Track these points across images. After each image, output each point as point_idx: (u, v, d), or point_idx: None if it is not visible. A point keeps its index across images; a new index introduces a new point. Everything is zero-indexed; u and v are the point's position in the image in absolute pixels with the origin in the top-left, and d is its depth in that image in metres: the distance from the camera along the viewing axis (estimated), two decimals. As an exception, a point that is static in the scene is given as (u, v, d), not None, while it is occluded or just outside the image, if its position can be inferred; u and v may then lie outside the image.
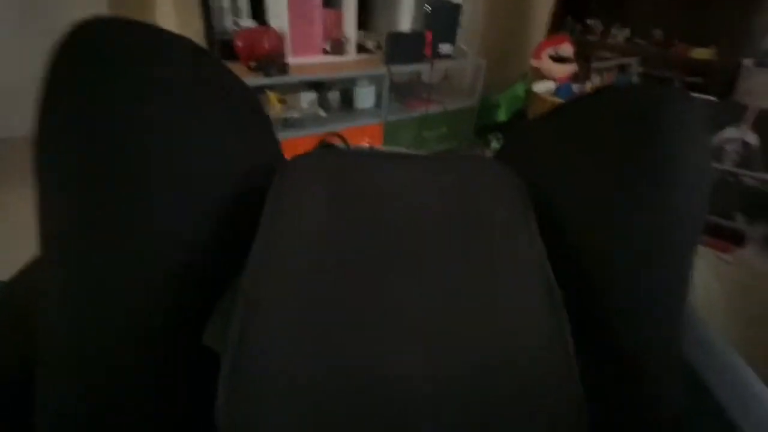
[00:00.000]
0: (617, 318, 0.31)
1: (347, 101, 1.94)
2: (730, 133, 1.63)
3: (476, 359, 0.25)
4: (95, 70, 0.27)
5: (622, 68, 2.10)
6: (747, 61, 1.72)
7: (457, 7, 2.01)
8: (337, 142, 0.48)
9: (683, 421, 0.35)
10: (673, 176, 0.31)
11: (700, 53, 1.83)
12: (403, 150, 0.53)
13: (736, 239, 1.66)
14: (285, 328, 0.25)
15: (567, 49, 2.01)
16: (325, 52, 1.83)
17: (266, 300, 0.26)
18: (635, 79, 2.05)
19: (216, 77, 0.36)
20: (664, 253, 0.31)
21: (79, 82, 0.27)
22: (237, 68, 1.59)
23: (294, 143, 1.61)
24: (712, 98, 1.67)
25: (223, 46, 1.65)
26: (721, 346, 0.39)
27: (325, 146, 0.47)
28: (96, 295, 0.25)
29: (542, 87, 2.04)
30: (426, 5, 1.87)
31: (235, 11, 1.71)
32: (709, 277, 1.51)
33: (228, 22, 1.71)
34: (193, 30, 1.70)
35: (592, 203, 0.33)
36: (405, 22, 1.95)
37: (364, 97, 1.92)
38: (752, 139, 1.60)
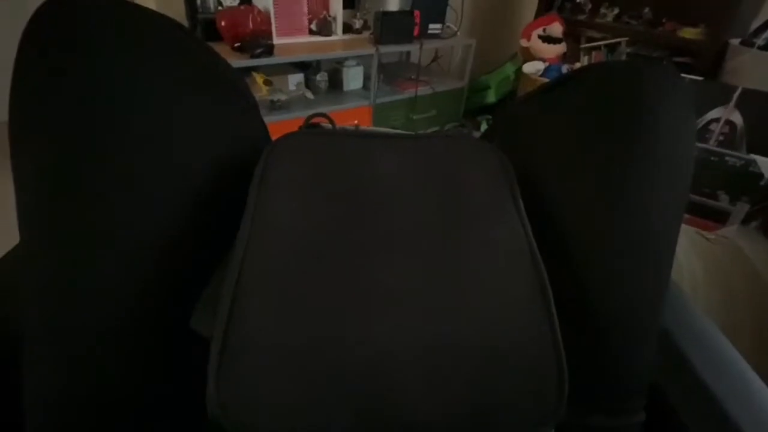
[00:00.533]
0: (598, 288, 0.32)
1: (335, 83, 1.91)
2: (715, 112, 1.65)
3: (460, 332, 0.26)
4: (66, 49, 0.26)
5: (611, 48, 2.10)
6: (734, 41, 1.72)
7: (446, -15, 1.98)
8: (324, 122, 0.48)
9: (658, 385, 0.36)
10: (655, 149, 0.32)
11: (689, 32, 1.82)
12: (389, 130, 0.53)
13: (719, 218, 1.70)
14: (271, 306, 0.25)
15: (556, 28, 1.99)
16: (312, 32, 1.79)
17: (253, 280, 0.26)
18: (624, 59, 2.05)
19: (197, 56, 0.35)
20: (646, 226, 0.32)
21: (51, 61, 0.26)
22: (221, 49, 1.55)
23: (281, 126, 1.58)
24: (698, 78, 1.68)
25: (206, 26, 1.60)
26: (697, 316, 0.41)
27: (310, 126, 0.46)
28: (78, 281, 0.25)
29: (531, 67, 2.04)
30: (414, -17, 1.83)
31: (218, -11, 1.65)
32: (692, 255, 1.55)
33: (211, 2, 1.66)
34: (174, 9, 1.65)
35: (575, 178, 0.34)
36: (393, 1, 1.90)
37: (353, 78, 1.90)
38: (737, 118, 1.62)
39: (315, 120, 0.47)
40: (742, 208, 1.64)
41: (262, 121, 0.44)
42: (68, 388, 0.25)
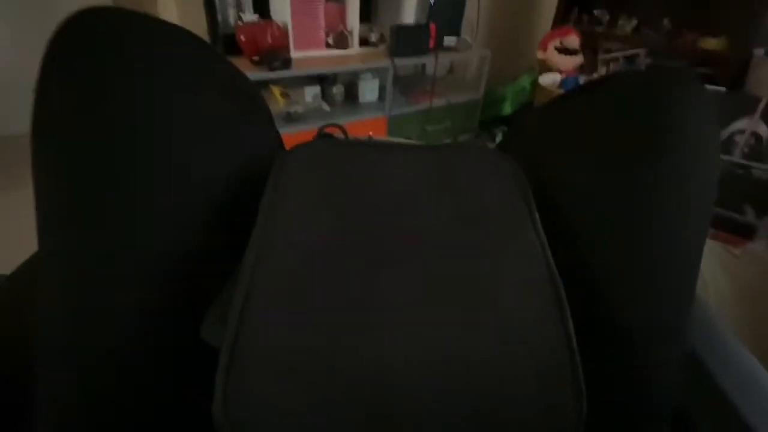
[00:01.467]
0: (619, 307, 0.30)
1: (351, 95, 1.93)
2: (740, 124, 1.60)
3: (472, 345, 0.25)
4: (91, 60, 0.27)
5: (630, 59, 2.07)
6: (758, 51, 1.68)
7: (462, -1, 1.99)
8: (337, 133, 0.48)
9: (686, 409, 0.34)
10: (680, 162, 0.30)
11: (710, 43, 1.79)
12: (401, 140, 0.53)
13: (746, 233, 1.64)
14: (281, 316, 0.25)
15: (573, 40, 1.98)
16: (329, 45, 1.81)
17: (263, 290, 0.26)
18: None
19: (216, 70, 0.35)
20: (670, 244, 0.31)
21: (75, 74, 0.26)
22: (240, 62, 1.58)
23: (298, 137, 1.60)
24: (721, 89, 1.64)
25: (227, 41, 1.64)
26: (725, 336, 0.39)
27: (323, 136, 0.47)
28: (92, 295, 0.25)
29: (548, 79, 2.02)
30: (430, -3, 1.85)
31: (239, 5, 1.70)
32: (718, 272, 1.49)
33: (231, 17, 1.70)
34: (196, 24, 1.70)
35: (595, 191, 0.33)
36: (409, 15, 1.93)
37: (368, 90, 1.91)
38: (763, 130, 1.57)
39: (328, 130, 0.48)
40: (770, 222, 1.58)
41: (278, 133, 0.44)
42: (79, 401, 0.25)
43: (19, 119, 1.96)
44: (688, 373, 0.34)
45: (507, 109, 2.28)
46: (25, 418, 0.25)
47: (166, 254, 0.28)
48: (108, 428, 0.25)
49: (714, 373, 0.35)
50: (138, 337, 0.26)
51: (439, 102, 2.01)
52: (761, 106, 1.56)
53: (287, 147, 0.39)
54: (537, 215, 0.32)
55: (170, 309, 0.28)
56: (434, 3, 1.84)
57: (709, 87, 1.65)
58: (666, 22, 1.99)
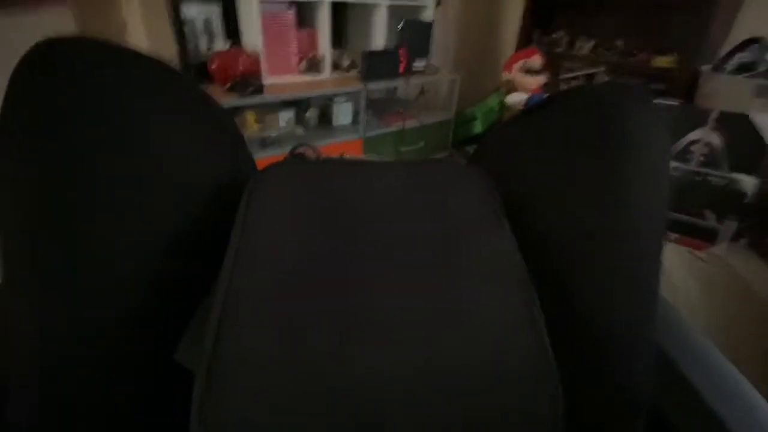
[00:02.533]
0: (587, 308, 0.31)
1: (325, 119, 1.96)
2: (694, 135, 1.70)
3: (450, 353, 0.25)
4: (58, 91, 0.27)
5: (589, 78, 2.18)
6: (705, 68, 1.81)
7: (429, 25, 2.07)
8: (309, 153, 0.49)
9: (659, 407, 0.35)
10: (637, 167, 0.32)
11: (661, 61, 1.92)
12: (373, 158, 0.54)
13: (709, 237, 1.72)
14: (257, 332, 0.25)
15: (536, 61, 2.08)
16: (301, 71, 1.84)
17: (238, 306, 0.26)
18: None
19: (186, 94, 0.36)
20: (633, 244, 0.32)
21: (39, 98, 0.26)
22: (213, 90, 1.59)
23: (272, 161, 1.60)
24: (675, 102, 1.75)
25: (198, 69, 1.65)
26: (692, 333, 0.41)
27: (296, 156, 0.47)
28: (59, 317, 0.24)
29: (515, 99, 2.10)
30: (399, 23, 1.91)
31: (209, 33, 1.71)
32: (686, 275, 1.55)
33: (202, 45, 1.72)
34: (166, 54, 1.70)
35: (559, 199, 0.34)
36: (379, 40, 1.98)
37: (342, 114, 1.94)
38: (715, 139, 1.67)
39: (300, 150, 0.48)
40: (730, 226, 1.66)
41: (249, 155, 0.45)
42: (49, 412, 0.24)
43: None
44: (658, 371, 0.35)
45: (478, 127, 2.36)
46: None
47: (136, 274, 0.27)
48: None
49: (683, 370, 0.37)
50: (109, 364, 0.25)
51: (411, 123, 2.06)
52: (712, 117, 1.67)
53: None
54: (507, 224, 0.33)
55: (143, 333, 0.27)
56: (401, 28, 1.91)
57: (663, 101, 1.75)
58: (620, 42, 2.13)
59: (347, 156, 0.47)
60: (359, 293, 0.27)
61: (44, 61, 0.27)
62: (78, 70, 0.27)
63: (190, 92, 0.37)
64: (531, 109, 0.41)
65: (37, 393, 0.24)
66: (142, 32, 1.66)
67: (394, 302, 0.27)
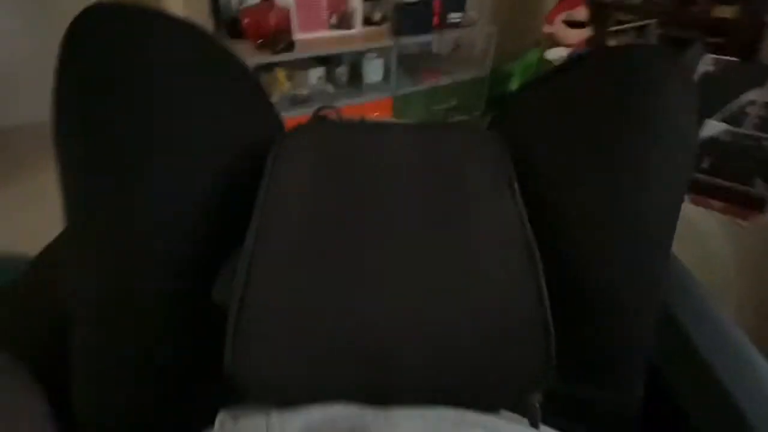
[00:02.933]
0: (592, 265, 0.33)
1: (356, 76, 1.93)
2: (752, 95, 1.57)
3: (455, 303, 0.28)
4: (99, 56, 0.30)
5: (640, 30, 2.02)
6: (773, 18, 1.63)
7: (466, -27, 1.95)
8: (332, 114, 0.50)
9: (658, 367, 0.37)
10: (652, 131, 0.32)
11: (723, 11, 1.73)
12: (393, 120, 0.55)
13: (757, 205, 1.62)
14: (282, 277, 0.28)
15: (581, 12, 1.94)
16: (332, 26, 1.81)
17: (265, 255, 0.29)
18: (653, 41, 1.97)
19: (215, 57, 0.38)
20: (644, 204, 0.32)
21: (85, 69, 0.29)
22: (244, 46, 1.59)
23: (303, 120, 1.62)
24: (733, 59, 1.61)
25: (230, 25, 1.65)
26: (700, 294, 0.41)
27: (318, 118, 0.49)
28: (117, 260, 0.29)
29: (555, 54, 1.99)
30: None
31: (241, -12, 1.70)
32: (723, 242, 1.49)
33: (233, 1, 1.71)
34: (199, 9, 1.71)
35: (576, 161, 0.34)
36: (412, -9, 1.90)
37: (373, 71, 1.91)
38: (775, 100, 1.54)
39: (323, 112, 0.50)
40: (781, 194, 1.56)
41: (277, 115, 0.47)
42: (107, 354, 0.29)
43: (27, 109, 1.98)
44: (662, 330, 0.36)
45: (515, 85, 2.25)
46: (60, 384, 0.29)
47: (181, 226, 0.31)
48: (134, 377, 0.29)
49: (688, 331, 0.38)
50: (158, 299, 0.30)
51: (444, 80, 2.00)
52: (774, 75, 1.52)
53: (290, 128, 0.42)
54: (517, 187, 0.34)
55: (187, 273, 0.32)
56: (438, -21, 1.82)
57: (720, 57, 1.61)
58: (678, -10, 1.93)
59: (368, 118, 0.49)
60: (370, 253, 0.30)
61: (92, 27, 0.30)
62: (122, 36, 0.30)
63: (222, 55, 0.38)
64: (549, 73, 0.41)
65: (98, 336, 0.29)
66: (176, -14, 1.67)
67: (405, 258, 0.29)
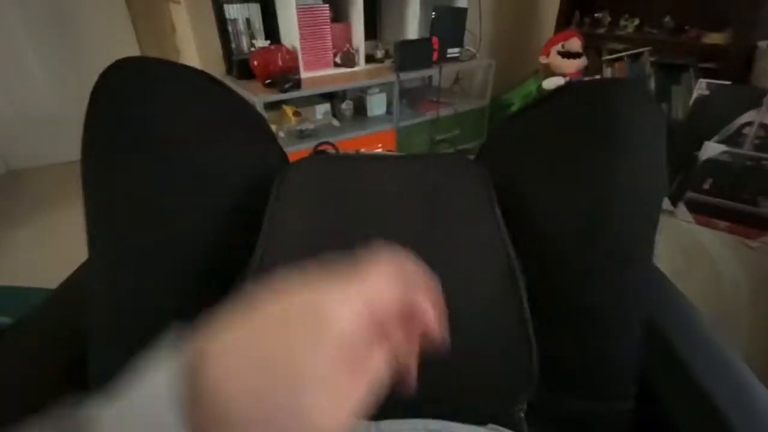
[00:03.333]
0: (577, 283, 0.35)
1: (360, 110, 2.01)
2: (748, 116, 1.60)
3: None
4: (126, 106, 0.34)
5: (634, 58, 2.08)
6: (762, 44, 1.68)
7: (463, 11, 2.05)
8: (330, 149, 0.55)
9: (647, 376, 0.38)
10: (628, 155, 0.35)
11: (713, 38, 1.79)
12: (387, 152, 0.59)
13: (762, 225, 1.62)
14: None
15: (575, 43, 2.01)
16: (336, 64, 1.90)
17: (269, 273, 0.32)
18: (647, 68, 2.03)
19: (227, 102, 0.42)
20: (622, 225, 0.35)
21: (115, 117, 0.34)
22: (254, 86, 1.68)
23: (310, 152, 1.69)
24: (727, 83, 1.65)
25: (241, 66, 1.75)
26: (684, 305, 0.43)
27: (318, 152, 0.54)
28: (132, 281, 0.32)
29: (552, 83, 2.05)
30: (432, 11, 1.92)
31: (251, 33, 1.81)
32: (733, 264, 1.48)
33: (244, 44, 1.82)
34: (212, 52, 1.82)
35: (552, 189, 0.37)
36: (412, 30, 2.00)
37: (376, 104, 1.99)
38: (771, 121, 1.56)
39: (322, 147, 0.54)
40: (786, 213, 1.56)
41: (280, 149, 0.51)
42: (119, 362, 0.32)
43: (42, 151, 2.09)
44: (648, 341, 0.38)
45: (514, 114, 2.32)
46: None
47: (195, 248, 0.35)
48: None
49: (672, 341, 0.39)
50: (172, 315, 0.33)
51: (446, 111, 2.07)
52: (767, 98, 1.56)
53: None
54: (498, 210, 0.37)
55: (201, 290, 0.35)
56: (434, 17, 1.91)
57: (713, 81, 1.65)
58: (668, 19, 2.00)
59: (363, 151, 0.53)
60: None
61: (116, 80, 0.35)
62: (143, 87, 0.35)
63: (230, 98, 0.43)
64: (529, 106, 0.44)
65: (113, 342, 0.32)
66: (190, 33, 1.78)
67: None
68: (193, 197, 0.36)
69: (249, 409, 0.15)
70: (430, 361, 0.29)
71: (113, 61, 0.35)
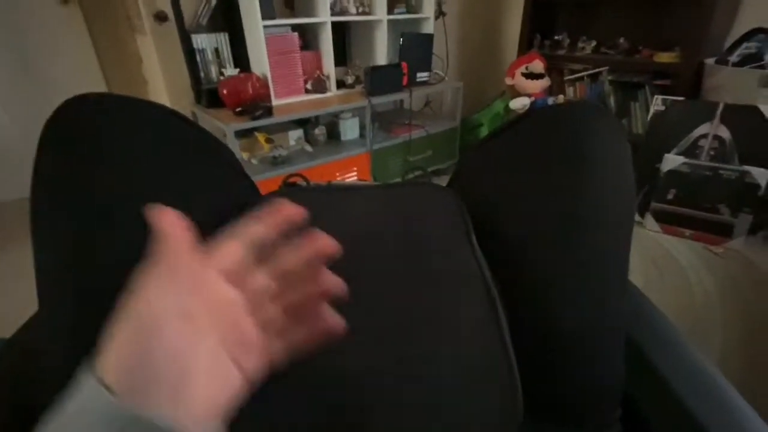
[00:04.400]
0: (554, 308, 0.34)
1: (333, 134, 2.02)
2: (702, 129, 1.69)
3: (422, 355, 0.29)
4: (82, 141, 0.32)
5: (593, 77, 2.19)
6: (709, 61, 1.79)
7: (430, 37, 2.12)
8: (299, 181, 0.53)
9: (630, 395, 0.38)
10: (597, 176, 0.35)
11: (665, 57, 1.91)
12: (359, 182, 0.58)
13: (724, 231, 1.70)
14: None
15: (538, 65, 2.10)
16: (308, 90, 1.91)
17: None
18: (606, 87, 2.13)
19: (190, 136, 0.41)
20: (595, 246, 0.35)
21: (64, 154, 0.31)
22: (224, 114, 1.66)
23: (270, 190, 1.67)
24: (680, 98, 1.74)
25: (210, 95, 1.74)
26: (660, 321, 0.43)
27: (288, 185, 0.52)
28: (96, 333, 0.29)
29: (518, 103, 2.12)
30: (400, 38, 1.97)
31: (219, 62, 1.80)
32: (702, 271, 1.53)
33: (213, 72, 1.81)
34: (180, 82, 1.80)
35: (528, 211, 0.37)
36: (381, 56, 2.04)
37: (349, 129, 2.00)
38: (724, 132, 1.66)
39: (292, 179, 0.53)
40: (745, 219, 1.63)
41: (250, 182, 0.49)
42: None
43: (16, 185, 2.02)
44: (628, 360, 0.38)
45: (484, 133, 2.38)
46: None
47: None
48: None
49: (650, 356, 0.39)
50: None
51: (418, 133, 2.10)
52: (719, 110, 1.65)
53: (274, 188, 0.44)
54: (474, 238, 0.37)
55: None
56: (402, 43, 1.96)
57: (668, 97, 1.75)
58: (622, 40, 2.12)
59: (335, 182, 0.52)
60: (340, 310, 0.31)
61: (71, 116, 0.33)
62: (97, 124, 0.33)
63: (194, 132, 0.41)
64: (497, 131, 0.45)
65: None
66: (157, 64, 1.76)
67: (373, 310, 0.31)
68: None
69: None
70: (414, 392, 0.28)
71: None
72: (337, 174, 1.90)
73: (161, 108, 0.39)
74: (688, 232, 1.76)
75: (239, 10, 1.71)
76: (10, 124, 2.06)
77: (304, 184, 0.53)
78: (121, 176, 0.32)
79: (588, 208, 0.35)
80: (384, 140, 2.03)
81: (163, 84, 1.79)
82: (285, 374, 0.27)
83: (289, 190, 0.42)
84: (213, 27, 1.76)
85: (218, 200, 0.41)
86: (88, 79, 2.12)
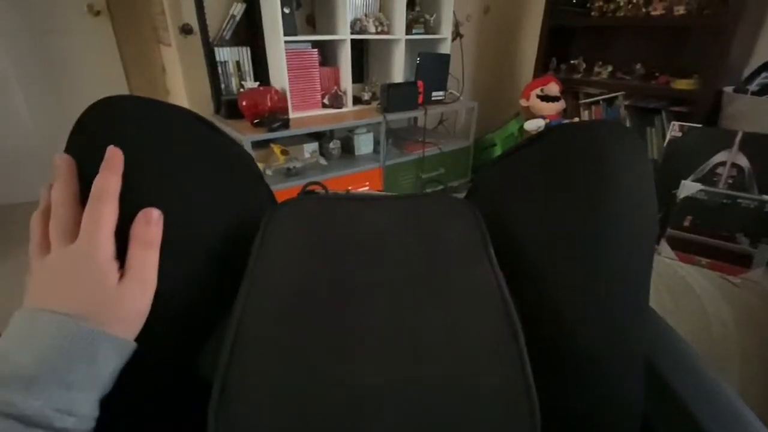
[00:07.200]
0: (573, 329, 0.34)
1: (347, 149, 2.04)
2: (719, 157, 1.67)
3: (437, 371, 0.28)
4: (104, 145, 0.32)
5: (609, 102, 2.19)
6: (728, 89, 1.79)
7: (446, 57, 2.15)
8: (318, 189, 0.54)
9: (649, 422, 0.36)
10: (618, 194, 0.35)
11: (682, 83, 1.90)
12: (377, 192, 0.58)
13: (743, 261, 1.65)
14: (266, 352, 0.28)
15: (553, 88, 2.11)
16: (324, 105, 1.94)
17: (251, 329, 0.29)
18: (622, 111, 2.13)
19: (211, 138, 0.41)
20: (616, 266, 0.34)
21: (95, 148, 0.32)
22: (242, 125, 1.70)
23: (297, 190, 1.68)
24: (698, 126, 1.73)
25: (229, 106, 1.77)
26: (679, 343, 0.41)
27: (307, 193, 0.52)
28: None
29: (533, 125, 2.13)
30: (417, 57, 2.00)
31: (240, 74, 1.85)
32: (719, 301, 1.49)
33: (233, 84, 1.85)
34: (201, 92, 1.84)
35: (548, 229, 0.37)
36: (398, 74, 2.08)
37: (363, 144, 2.02)
38: (743, 161, 1.63)
39: (311, 188, 0.53)
40: (766, 250, 1.60)
41: (268, 189, 0.50)
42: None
43: (28, 187, 2.08)
44: (648, 383, 0.36)
45: (498, 153, 2.38)
46: None
47: (170, 295, 0.32)
48: None
49: (669, 379, 0.38)
50: (141, 373, 0.30)
51: (431, 151, 2.11)
52: (738, 138, 1.63)
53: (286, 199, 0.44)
54: (492, 252, 0.36)
55: (171, 339, 0.32)
56: (419, 62, 1.99)
57: (685, 124, 1.73)
58: (639, 66, 2.13)
59: (352, 191, 0.52)
60: (354, 317, 0.31)
61: (98, 118, 0.33)
62: (123, 126, 0.33)
63: (216, 137, 0.42)
64: (517, 147, 0.45)
65: None
66: (180, 74, 1.81)
67: (385, 323, 0.30)
68: (177, 238, 0.33)
69: None
70: (425, 408, 0.27)
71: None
72: (350, 188, 1.91)
73: (190, 113, 0.39)
74: (704, 260, 1.72)
75: (262, 26, 1.76)
76: (33, 129, 2.12)
77: (323, 192, 0.53)
78: (144, 177, 0.33)
79: (608, 227, 0.35)
80: (397, 156, 2.04)
81: (184, 94, 1.84)
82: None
83: (309, 197, 0.42)
84: (236, 41, 1.81)
85: (240, 206, 0.41)
86: (112, 87, 2.19)
